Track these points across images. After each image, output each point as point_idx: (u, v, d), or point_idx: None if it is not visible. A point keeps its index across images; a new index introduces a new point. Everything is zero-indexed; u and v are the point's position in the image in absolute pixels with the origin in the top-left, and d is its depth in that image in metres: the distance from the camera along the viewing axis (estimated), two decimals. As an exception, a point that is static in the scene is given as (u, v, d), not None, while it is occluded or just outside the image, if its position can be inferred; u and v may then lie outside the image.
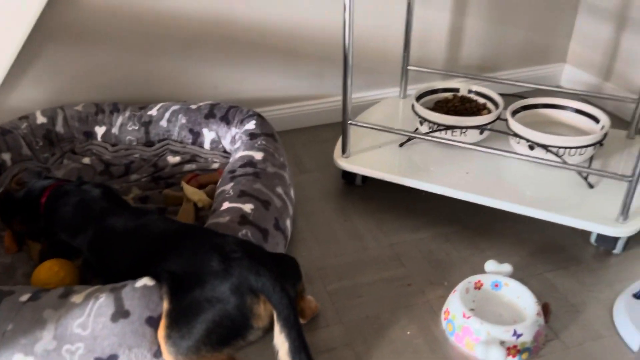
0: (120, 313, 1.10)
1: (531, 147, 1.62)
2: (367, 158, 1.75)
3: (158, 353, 1.11)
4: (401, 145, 1.80)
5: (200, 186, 1.69)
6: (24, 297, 1.14)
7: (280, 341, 1.09)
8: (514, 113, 1.72)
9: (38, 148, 1.77)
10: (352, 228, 1.65)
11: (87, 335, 1.08)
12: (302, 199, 1.76)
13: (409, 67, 2.05)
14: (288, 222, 1.53)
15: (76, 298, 1.13)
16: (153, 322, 1.11)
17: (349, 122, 1.68)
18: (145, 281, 1.14)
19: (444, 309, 1.32)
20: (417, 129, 1.82)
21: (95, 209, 1.37)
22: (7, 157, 1.70)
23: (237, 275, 1.11)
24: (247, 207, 1.41)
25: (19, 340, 1.07)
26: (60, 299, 1.13)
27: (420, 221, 1.66)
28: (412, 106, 1.79)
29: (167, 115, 1.85)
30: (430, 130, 1.73)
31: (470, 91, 1.88)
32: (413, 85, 2.13)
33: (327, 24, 2.06)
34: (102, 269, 1.31)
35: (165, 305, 1.11)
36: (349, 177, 1.82)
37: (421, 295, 1.40)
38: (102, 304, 1.11)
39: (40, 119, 1.80)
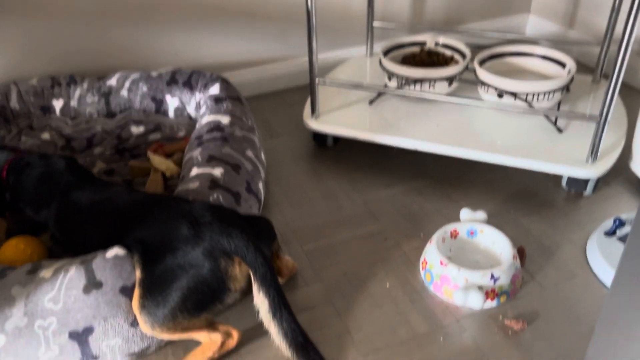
0: (93, 284, 1.07)
1: (500, 95, 1.62)
2: (337, 118, 1.72)
3: (135, 322, 1.08)
4: (371, 102, 1.78)
5: (167, 155, 1.64)
6: (-11, 276, 1.09)
7: (260, 300, 1.08)
8: (482, 62, 1.71)
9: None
10: (326, 189, 1.63)
11: (59, 310, 1.05)
12: (274, 163, 1.73)
13: (374, 24, 2.01)
14: (260, 185, 1.51)
15: (45, 273, 1.09)
16: (127, 292, 1.08)
17: (317, 80, 1.65)
18: (116, 251, 1.11)
19: (421, 259, 1.33)
20: (385, 85, 1.79)
21: (59, 181, 1.32)
22: (-40, 136, 1.62)
23: (209, 239, 1.08)
24: (217, 172, 1.38)
25: (-13, 320, 1.03)
26: (28, 274, 1.10)
27: (392, 177, 1.65)
28: (380, 61, 1.77)
29: (127, 84, 1.78)
30: (399, 85, 1.71)
31: (437, 44, 1.86)
32: (379, 43, 2.10)
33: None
34: (69, 245, 1.27)
35: (137, 274, 1.09)
36: (319, 139, 1.79)
37: (397, 249, 1.40)
38: (72, 276, 1.07)
39: (-7, 95, 1.71)
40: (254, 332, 1.17)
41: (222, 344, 1.10)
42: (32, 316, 1.05)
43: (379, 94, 1.78)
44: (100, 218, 1.22)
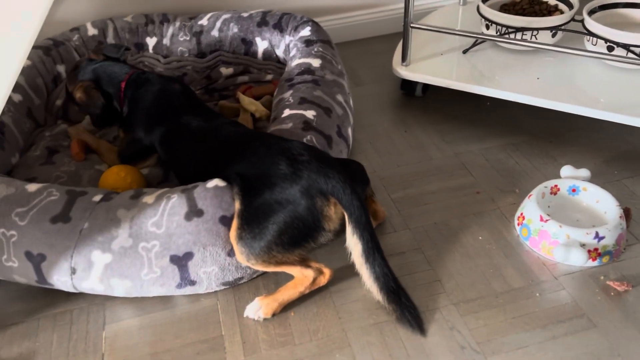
0: (194, 212, 1.09)
1: (610, 48, 1.50)
2: (429, 66, 1.66)
3: (232, 252, 1.11)
4: (465, 52, 1.70)
5: (256, 97, 1.64)
6: (97, 198, 1.14)
7: (353, 242, 1.08)
8: (591, 13, 1.59)
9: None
10: (414, 139, 1.59)
11: (162, 234, 1.09)
12: (360, 111, 1.70)
13: (470, -30, 1.90)
14: (350, 131, 1.49)
15: (148, 199, 1.13)
16: (227, 222, 1.10)
17: (412, 25, 1.58)
18: (217, 182, 1.13)
19: (517, 214, 1.28)
20: (482, 33, 1.70)
21: (174, 102, 1.36)
22: (61, 69, 1.68)
23: (307, 177, 1.08)
24: (310, 114, 1.37)
25: (96, 238, 1.08)
26: (132, 199, 1.13)
27: (485, 131, 1.59)
28: (478, 8, 1.67)
29: (218, 24, 1.78)
30: (499, 33, 1.62)
31: (540, -8, 1.74)
32: (473, -8, 1.99)
33: None
34: (172, 167, 1.31)
35: (237, 205, 1.10)
36: (408, 88, 1.74)
37: (491, 203, 1.35)
38: (174, 203, 1.10)
39: (92, 31, 1.76)
40: (343, 273, 1.17)
41: (314, 280, 1.11)
42: (137, 238, 1.09)
43: (475, 43, 1.69)
44: (205, 145, 1.24)
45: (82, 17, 1.81)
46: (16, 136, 1.46)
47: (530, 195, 1.26)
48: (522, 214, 1.25)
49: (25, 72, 1.56)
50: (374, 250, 1.06)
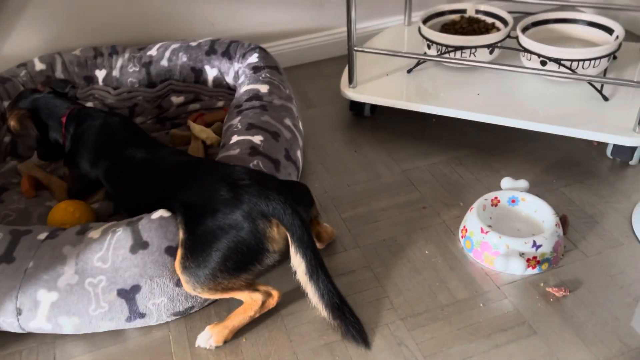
0: (139, 244, 1.10)
1: (543, 63, 1.57)
2: (375, 87, 1.71)
3: (179, 282, 1.11)
4: (409, 71, 1.76)
5: (207, 125, 1.66)
6: (42, 236, 1.14)
7: (297, 261, 1.10)
8: (524, 30, 1.66)
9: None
10: (363, 158, 1.63)
11: (108, 268, 1.09)
12: (311, 133, 1.73)
13: (412, -8, 1.97)
14: (299, 154, 1.52)
15: (93, 234, 1.13)
16: (173, 252, 1.11)
17: (355, 48, 1.63)
18: (161, 212, 1.14)
19: (461, 227, 1.32)
20: (424, 53, 1.76)
21: (117, 135, 1.37)
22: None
23: (247, 201, 1.10)
24: (257, 139, 1.39)
25: (41, 277, 1.08)
26: (78, 235, 1.14)
27: (431, 147, 1.64)
28: (419, 29, 1.74)
29: (167, 54, 1.80)
30: (439, 53, 1.68)
31: (477, 11, 1.81)
32: (417, 12, 2.06)
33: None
34: (119, 200, 1.32)
35: (181, 235, 1.12)
36: (357, 108, 1.78)
37: (437, 217, 1.39)
38: (120, 237, 1.11)
39: (39, 66, 1.76)
40: (294, 295, 1.19)
41: (263, 303, 1.13)
42: (83, 274, 1.09)
43: (418, 63, 1.75)
44: (150, 176, 1.26)
45: (29, 52, 1.81)
46: (-38, 176, 1.45)
47: (471, 208, 1.31)
48: (465, 226, 1.29)
49: (-30, 110, 1.55)
50: (317, 268, 1.08)
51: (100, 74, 1.82)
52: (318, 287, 1.08)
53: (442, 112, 1.59)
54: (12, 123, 1.42)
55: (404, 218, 1.40)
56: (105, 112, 1.45)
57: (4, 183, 1.49)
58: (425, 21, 1.78)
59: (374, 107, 1.77)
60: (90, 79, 1.82)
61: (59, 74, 1.78)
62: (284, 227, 1.10)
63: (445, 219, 1.38)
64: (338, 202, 1.47)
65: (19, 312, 1.08)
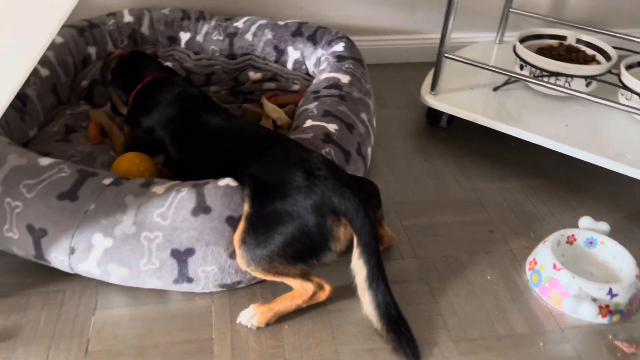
0: (202, 208, 1.07)
1: (644, 105, 1.47)
2: (457, 98, 1.64)
3: (233, 254, 1.08)
4: (496, 89, 1.68)
5: (280, 106, 1.63)
6: (107, 181, 1.12)
7: (359, 266, 1.04)
8: (629, 67, 1.56)
9: (122, 47, 1.75)
10: (433, 168, 1.56)
11: (167, 226, 1.07)
12: (381, 133, 1.68)
13: (511, 10, 1.89)
14: (369, 150, 1.47)
15: (157, 189, 1.11)
16: (233, 222, 1.08)
17: (445, 54, 1.57)
18: (228, 181, 1.11)
19: (529, 258, 1.24)
20: (516, 72, 1.68)
21: (193, 103, 1.35)
22: (92, 50, 1.69)
23: (321, 193, 1.06)
24: (332, 127, 1.35)
25: (100, 221, 1.07)
26: (141, 187, 1.12)
27: (506, 170, 1.56)
28: (514, 47, 1.66)
29: (253, 28, 1.78)
30: (532, 75, 1.60)
31: (579, 40, 1.72)
32: (511, 32, 1.98)
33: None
34: (183, 166, 1.29)
35: (245, 208, 1.08)
36: (433, 117, 1.72)
37: (504, 243, 1.31)
38: (183, 197, 1.08)
39: (127, 18, 1.77)
40: (344, 292, 1.13)
41: (313, 294, 1.08)
42: (140, 226, 1.07)
43: (507, 82, 1.67)
44: (223, 143, 1.23)
45: (121, 3, 1.82)
46: (38, 110, 1.46)
47: (545, 241, 1.23)
48: (534, 259, 1.21)
49: (56, 48, 1.57)
50: (378, 277, 1.03)
51: (184, 37, 1.81)
52: (376, 297, 1.02)
53: (523, 136, 1.51)
54: (116, 52, 1.47)
55: (469, 238, 1.33)
56: (187, 83, 1.44)
57: (74, 125, 1.50)
58: (521, 41, 1.70)
59: (452, 119, 1.70)
60: (174, 40, 1.82)
61: (145, 29, 1.79)
62: (353, 229, 1.05)
63: (512, 247, 1.30)
64: (401, 207, 1.41)
65: (72, 251, 1.07)
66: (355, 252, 1.05)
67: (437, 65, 1.60)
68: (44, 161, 1.13)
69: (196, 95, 1.37)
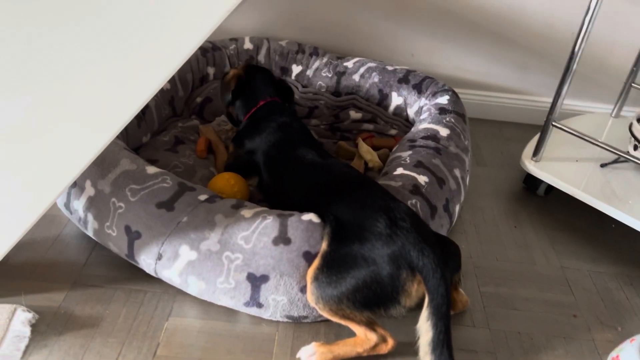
0: (282, 239, 1.11)
1: None
2: (560, 168, 1.58)
3: (304, 289, 1.10)
4: (603, 165, 1.59)
5: (374, 148, 1.65)
6: (202, 197, 1.20)
7: (425, 328, 1.02)
8: None
9: (237, 65, 1.86)
10: (522, 237, 1.50)
11: (248, 249, 1.11)
12: (473, 191, 1.64)
13: (633, 84, 1.80)
14: (457, 208, 1.44)
15: (246, 212, 1.16)
16: (309, 257, 1.10)
17: (553, 123, 1.52)
18: (312, 216, 1.14)
19: (612, 354, 1.15)
20: (628, 152, 1.59)
21: (294, 134, 1.42)
22: (211, 71, 1.82)
23: (400, 245, 1.05)
24: (422, 179, 1.35)
25: (189, 234, 1.13)
26: (232, 208, 1.18)
27: (601, 253, 1.46)
28: (630, 126, 1.57)
29: (361, 70, 1.83)
30: (646, 157, 1.50)
31: None
32: (629, 107, 1.88)
33: (546, 13, 1.87)
34: (274, 192, 1.35)
35: (323, 245, 1.10)
36: (531, 183, 1.66)
37: (586, 332, 1.23)
38: (268, 225, 1.13)
39: (247, 44, 1.89)
40: (405, 349, 1.11)
41: (375, 345, 1.07)
42: (224, 246, 1.12)
43: (617, 160, 1.58)
44: (313, 177, 1.28)
45: (243, 30, 1.95)
46: (154, 119, 1.59)
47: (633, 339, 1.13)
48: (618, 356, 1.12)
49: (180, 65, 1.70)
50: (443, 344, 1.00)
51: (296, 69, 1.90)
52: None
53: (627, 220, 1.42)
54: (232, 73, 1.56)
55: (548, 318, 1.26)
56: (292, 114, 1.51)
57: (183, 137, 1.61)
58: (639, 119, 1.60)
59: (550, 188, 1.63)
60: (286, 71, 1.91)
61: (261, 57, 1.89)
62: (426, 288, 1.03)
63: (595, 338, 1.21)
64: (481, 272, 1.37)
65: (159, 257, 1.14)
66: (425, 313, 1.03)
67: (543, 132, 1.55)
68: (151, 169, 1.23)
69: (297, 127, 1.44)
